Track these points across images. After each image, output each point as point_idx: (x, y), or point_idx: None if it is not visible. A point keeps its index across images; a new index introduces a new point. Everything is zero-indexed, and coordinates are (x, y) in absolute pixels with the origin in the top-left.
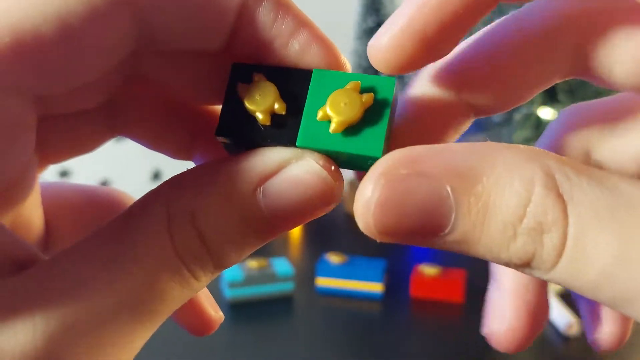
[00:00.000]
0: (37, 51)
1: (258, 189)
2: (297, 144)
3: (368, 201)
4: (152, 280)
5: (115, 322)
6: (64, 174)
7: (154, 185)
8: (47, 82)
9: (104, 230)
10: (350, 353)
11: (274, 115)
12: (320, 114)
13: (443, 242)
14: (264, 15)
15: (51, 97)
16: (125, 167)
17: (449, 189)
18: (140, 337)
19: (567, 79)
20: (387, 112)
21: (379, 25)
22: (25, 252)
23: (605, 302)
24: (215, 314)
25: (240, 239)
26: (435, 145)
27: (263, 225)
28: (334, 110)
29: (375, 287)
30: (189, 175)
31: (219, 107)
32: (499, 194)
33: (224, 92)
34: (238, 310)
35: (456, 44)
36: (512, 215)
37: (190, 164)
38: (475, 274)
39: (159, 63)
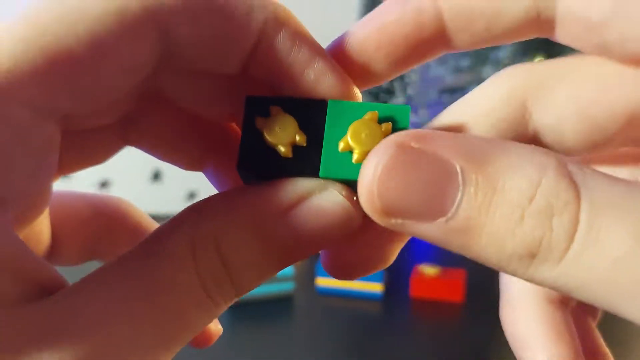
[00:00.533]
0: (69, 72)
1: (282, 218)
2: (320, 174)
3: (374, 167)
4: (176, 307)
5: (139, 350)
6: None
7: (154, 186)
8: (77, 102)
9: (129, 255)
10: (350, 353)
11: (295, 147)
12: (342, 145)
13: (444, 231)
14: (281, 43)
15: (74, 115)
16: (125, 167)
17: (458, 168)
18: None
19: None
20: None
21: None
22: (49, 275)
23: (618, 300)
24: (215, 327)
25: (262, 266)
26: (450, 132)
27: (284, 253)
28: (355, 141)
29: (375, 287)
30: (213, 202)
31: (231, 124)
32: (509, 176)
33: (237, 113)
34: (238, 310)
35: (395, 73)
36: (522, 197)
37: (212, 189)
38: (475, 274)
39: (177, 81)
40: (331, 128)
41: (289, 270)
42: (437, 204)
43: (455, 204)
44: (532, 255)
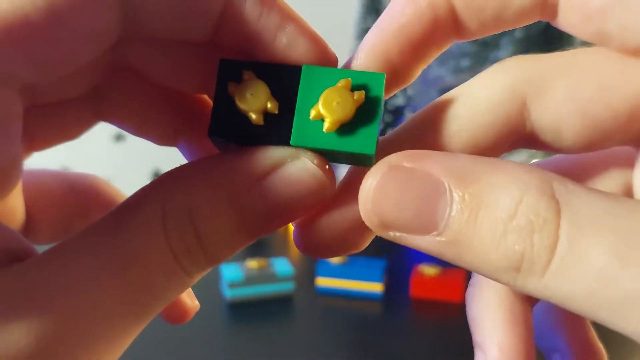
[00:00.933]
0: (26, 39)
1: (254, 187)
2: (291, 143)
3: (369, 186)
4: (146, 277)
5: (109, 319)
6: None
7: None
8: (37, 70)
9: (98, 225)
10: (350, 353)
11: (266, 115)
12: (313, 113)
13: (437, 243)
14: (249, 8)
15: (38, 86)
16: (125, 167)
17: (446, 185)
18: (133, 332)
19: (516, 149)
20: (379, 109)
21: None
22: (17, 244)
23: (601, 312)
24: (191, 302)
25: (234, 236)
26: (441, 152)
27: (256, 222)
28: (326, 109)
29: (375, 287)
30: (185, 171)
31: (203, 96)
32: (494, 194)
33: (209, 84)
34: (238, 310)
35: (419, 69)
36: (504, 213)
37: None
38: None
39: (144, 52)
40: (304, 95)
41: (289, 270)
42: (428, 219)
43: (445, 219)
44: (517, 269)
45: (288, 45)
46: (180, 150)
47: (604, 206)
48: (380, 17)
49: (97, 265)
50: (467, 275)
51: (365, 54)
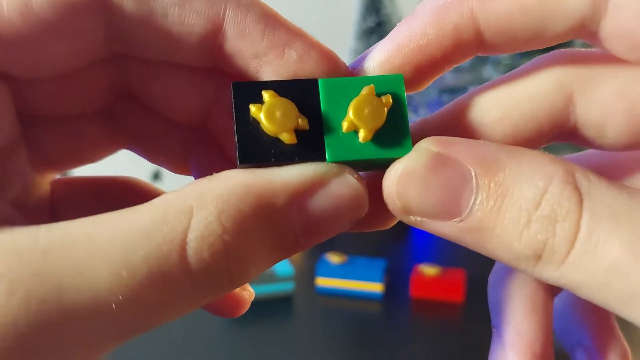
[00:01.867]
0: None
1: (294, 203)
2: (328, 159)
3: (396, 171)
4: (140, 287)
5: (87, 318)
6: (64, 173)
7: (154, 185)
8: (9, 59)
9: (103, 217)
10: (350, 353)
11: (297, 132)
12: (345, 125)
13: (458, 229)
14: (251, 29)
15: (31, 89)
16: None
17: (473, 173)
18: (114, 341)
19: (555, 142)
20: (405, 109)
21: (378, 25)
22: (5, 211)
23: (612, 302)
24: (244, 290)
25: (267, 254)
26: (468, 139)
27: (293, 240)
28: (359, 119)
29: (375, 287)
30: (218, 181)
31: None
32: (518, 184)
33: (215, 110)
34: None
35: (431, 80)
36: (529, 202)
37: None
38: (475, 274)
39: (146, 75)
40: (329, 108)
41: (289, 270)
42: (452, 205)
43: (469, 206)
44: (538, 257)
45: (299, 60)
46: (194, 177)
47: (622, 200)
48: (398, 31)
49: (88, 262)
50: (467, 275)
51: (379, 64)
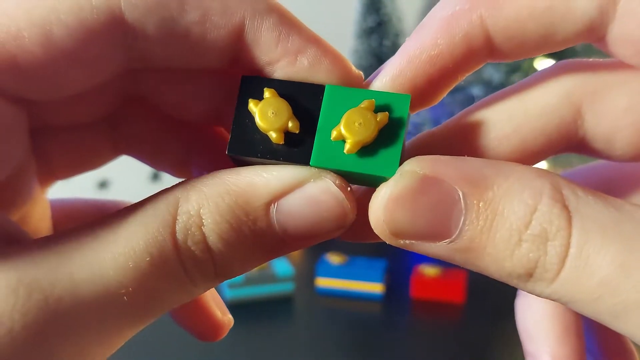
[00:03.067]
0: (17, 54)
1: (272, 205)
2: (310, 163)
3: (382, 197)
4: (145, 275)
5: (99, 309)
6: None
7: (153, 186)
8: (29, 86)
9: (106, 218)
10: (350, 354)
11: (287, 134)
12: (334, 134)
13: (449, 250)
14: (266, 35)
15: (45, 106)
16: (124, 167)
17: (460, 193)
18: (127, 331)
19: (563, 153)
20: (402, 132)
21: (379, 24)
22: (12, 228)
23: (604, 316)
24: (223, 316)
25: (247, 252)
26: (453, 156)
27: (272, 242)
28: (348, 130)
29: (376, 288)
30: (204, 180)
31: (218, 128)
32: (508, 202)
33: (224, 113)
34: (238, 310)
35: (446, 91)
36: (519, 222)
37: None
38: (476, 275)
39: (156, 81)
40: (326, 115)
41: (289, 270)
42: (441, 227)
43: (459, 227)
44: (529, 275)
45: (310, 67)
46: None
47: (610, 213)
48: (409, 43)
49: (93, 255)
50: (468, 276)
51: (392, 78)
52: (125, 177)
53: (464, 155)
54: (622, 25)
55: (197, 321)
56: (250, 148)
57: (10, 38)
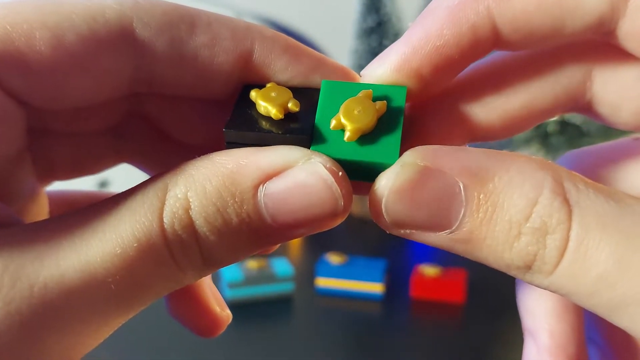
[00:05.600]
0: (26, 52)
1: (260, 187)
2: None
3: (383, 187)
4: (132, 261)
5: (86, 297)
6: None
7: None
8: (34, 88)
9: (95, 205)
10: (350, 354)
11: (287, 114)
12: (333, 123)
13: (449, 240)
14: (277, 57)
15: (47, 114)
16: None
17: (461, 185)
18: (114, 321)
19: (569, 113)
20: (401, 119)
21: (379, 24)
22: (2, 212)
23: (600, 309)
24: (222, 312)
25: (235, 238)
26: (454, 146)
27: (260, 228)
28: (347, 118)
29: (376, 288)
30: (195, 162)
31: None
32: (508, 194)
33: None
34: (238, 310)
35: (450, 81)
36: (519, 214)
37: None
38: (476, 274)
39: (161, 108)
40: (325, 106)
41: (288, 270)
42: (441, 218)
43: (459, 218)
44: (528, 267)
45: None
46: None
47: (610, 208)
48: (413, 31)
49: (80, 239)
50: (468, 276)
51: (396, 67)
52: (125, 177)
53: (472, 113)
54: (633, 20)
55: (195, 316)
56: (249, 123)
57: (21, 36)
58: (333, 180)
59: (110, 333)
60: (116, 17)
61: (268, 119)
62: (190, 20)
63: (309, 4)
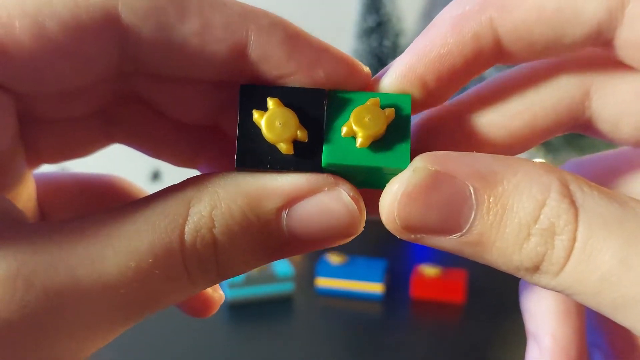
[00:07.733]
0: (7, 42)
1: (284, 210)
2: (323, 161)
3: (396, 192)
4: (145, 274)
5: (98, 306)
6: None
7: (153, 185)
8: (17, 76)
9: (112, 210)
10: (350, 354)
11: (296, 143)
12: (344, 130)
13: (458, 243)
14: (275, 50)
15: (33, 98)
16: (124, 167)
17: (471, 189)
18: (119, 327)
19: (568, 132)
20: (409, 126)
21: (379, 24)
22: (11, 209)
23: (605, 308)
24: (214, 292)
25: (252, 253)
26: (462, 152)
27: (279, 245)
28: (358, 125)
29: (376, 288)
30: (217, 180)
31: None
32: (517, 197)
33: (224, 116)
34: (238, 310)
35: (454, 92)
36: (528, 216)
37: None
38: (476, 275)
39: (150, 86)
40: (332, 116)
41: (289, 270)
42: (452, 222)
43: (469, 222)
44: (536, 268)
45: (327, 78)
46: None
47: (615, 209)
48: (419, 41)
49: (98, 253)
50: (468, 276)
51: (401, 75)
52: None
53: (477, 132)
54: (630, 29)
55: (190, 298)
56: (259, 160)
57: (0, 26)
58: (355, 207)
59: (113, 338)
60: (100, 1)
61: (276, 149)
62: (180, 4)
63: (309, 4)
